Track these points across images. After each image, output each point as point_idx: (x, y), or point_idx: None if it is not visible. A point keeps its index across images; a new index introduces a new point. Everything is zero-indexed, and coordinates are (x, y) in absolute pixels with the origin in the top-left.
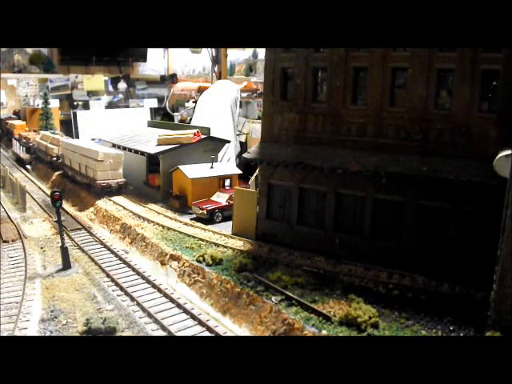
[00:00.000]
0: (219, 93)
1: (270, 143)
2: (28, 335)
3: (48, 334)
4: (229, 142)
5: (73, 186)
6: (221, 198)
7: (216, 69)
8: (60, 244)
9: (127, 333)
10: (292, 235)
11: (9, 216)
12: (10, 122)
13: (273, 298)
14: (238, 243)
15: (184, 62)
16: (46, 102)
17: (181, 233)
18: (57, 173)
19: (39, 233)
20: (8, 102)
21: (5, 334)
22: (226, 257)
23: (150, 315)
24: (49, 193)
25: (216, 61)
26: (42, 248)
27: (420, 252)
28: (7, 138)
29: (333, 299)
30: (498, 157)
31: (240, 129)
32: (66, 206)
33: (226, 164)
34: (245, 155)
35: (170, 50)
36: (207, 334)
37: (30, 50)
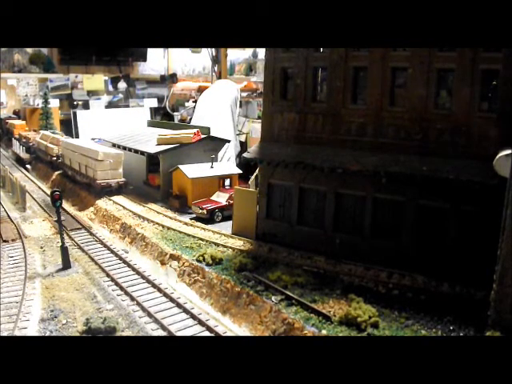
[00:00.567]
0: (219, 92)
1: (270, 143)
2: (28, 335)
3: (48, 333)
4: (229, 141)
5: (73, 185)
6: (221, 198)
7: (216, 68)
8: (60, 244)
9: (127, 332)
10: (292, 235)
11: (9, 216)
12: (10, 121)
13: (273, 298)
14: (238, 243)
15: (184, 62)
16: (45, 102)
17: (181, 232)
18: (57, 172)
19: (39, 232)
20: (8, 101)
21: (5, 333)
22: (225, 256)
23: (149, 315)
24: (49, 192)
25: (216, 60)
26: (41, 248)
27: (420, 252)
28: (7, 138)
29: (333, 299)
30: (497, 156)
31: (240, 128)
32: (65, 205)
33: (226, 164)
34: (245, 155)
35: (169, 49)
36: (207, 333)
37: (29, 50)
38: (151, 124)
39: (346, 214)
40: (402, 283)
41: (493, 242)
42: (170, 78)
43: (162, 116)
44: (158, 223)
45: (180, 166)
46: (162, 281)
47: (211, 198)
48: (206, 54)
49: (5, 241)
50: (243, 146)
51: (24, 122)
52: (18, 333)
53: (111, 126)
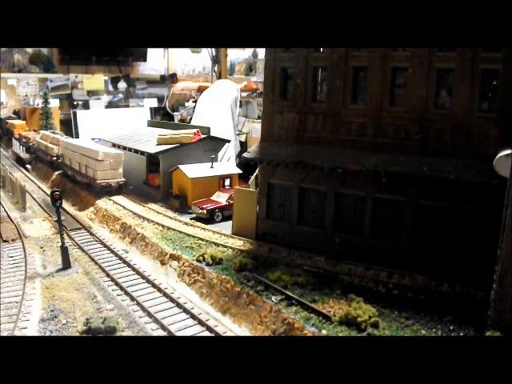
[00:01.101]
0: (219, 92)
1: (270, 143)
2: (28, 335)
3: (48, 333)
4: (229, 141)
5: (73, 185)
6: (221, 198)
7: (216, 68)
8: (60, 244)
9: (127, 332)
10: (292, 235)
11: (9, 215)
12: (10, 121)
13: (273, 298)
14: (238, 243)
15: (184, 62)
16: (45, 102)
17: (181, 232)
18: (57, 172)
19: (39, 232)
20: (8, 101)
21: (5, 333)
22: (225, 256)
23: (149, 315)
24: (49, 192)
25: (216, 60)
26: (41, 247)
27: (420, 251)
28: (7, 138)
29: (333, 299)
30: (497, 156)
31: (240, 128)
32: (65, 205)
33: (226, 164)
34: (245, 155)
35: (169, 49)
36: (207, 333)
37: (29, 50)
38: (151, 124)
39: (346, 213)
40: (402, 283)
41: (493, 242)
42: (169, 78)
43: (162, 116)
44: (158, 223)
45: (180, 166)
46: (161, 281)
47: (211, 198)
48: (206, 54)
49: (5, 241)
50: (243, 145)
51: (24, 122)
52: (18, 333)
53: (111, 126)
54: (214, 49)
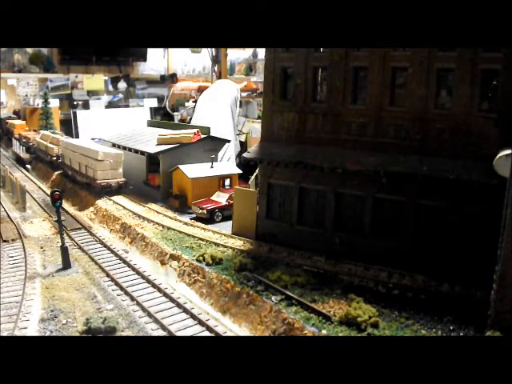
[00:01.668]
0: (219, 92)
1: (270, 143)
2: (28, 335)
3: (48, 333)
4: (229, 141)
5: (73, 185)
6: (221, 198)
7: (216, 68)
8: (60, 244)
9: (127, 332)
10: (292, 235)
11: (9, 215)
12: (10, 121)
13: (273, 298)
14: (238, 243)
15: (184, 62)
16: (45, 102)
17: (181, 232)
18: (57, 172)
19: (39, 232)
20: (8, 101)
21: (5, 333)
22: (225, 256)
23: (149, 315)
24: (49, 192)
25: (216, 60)
26: (41, 247)
27: (420, 251)
28: (7, 138)
29: (333, 299)
30: (497, 156)
31: (240, 128)
32: (65, 205)
33: (226, 164)
34: (245, 155)
35: (169, 49)
36: (207, 333)
37: (30, 50)
38: (151, 124)
39: (346, 213)
40: (402, 283)
41: (493, 242)
42: (169, 78)
43: (162, 116)
44: (158, 223)
45: (180, 166)
46: (161, 281)
47: (211, 198)
48: (206, 54)
49: (5, 241)
50: (243, 145)
51: (24, 122)
52: (18, 333)
53: (111, 126)
54: (213, 49)
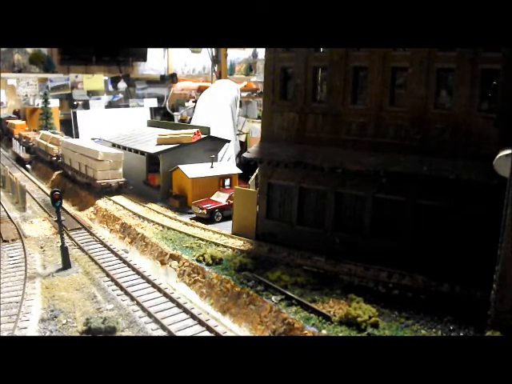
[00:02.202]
0: (219, 92)
1: (270, 143)
2: (28, 335)
3: (48, 333)
4: (229, 141)
5: (73, 185)
6: (221, 198)
7: (216, 68)
8: (60, 244)
9: (127, 332)
10: (292, 235)
11: (9, 215)
12: (10, 121)
13: (273, 298)
14: (238, 243)
15: (184, 62)
16: (45, 102)
17: (181, 232)
18: (57, 172)
19: (39, 232)
20: (8, 101)
21: (5, 333)
22: (225, 256)
23: (149, 315)
24: (49, 192)
25: (216, 60)
26: (41, 247)
27: (420, 251)
28: (7, 138)
29: (333, 299)
30: (497, 156)
31: (240, 128)
32: (65, 205)
33: (226, 164)
34: (245, 155)
35: (169, 49)
36: (207, 333)
37: (30, 50)
38: (151, 124)
39: (346, 213)
40: (402, 283)
41: (493, 242)
42: (169, 78)
43: (162, 116)
44: (158, 223)
45: (180, 166)
46: (161, 281)
47: (211, 198)
48: (205, 54)
49: (5, 241)
50: (243, 145)
51: (24, 122)
52: (18, 333)
53: (111, 126)
54: (213, 49)
